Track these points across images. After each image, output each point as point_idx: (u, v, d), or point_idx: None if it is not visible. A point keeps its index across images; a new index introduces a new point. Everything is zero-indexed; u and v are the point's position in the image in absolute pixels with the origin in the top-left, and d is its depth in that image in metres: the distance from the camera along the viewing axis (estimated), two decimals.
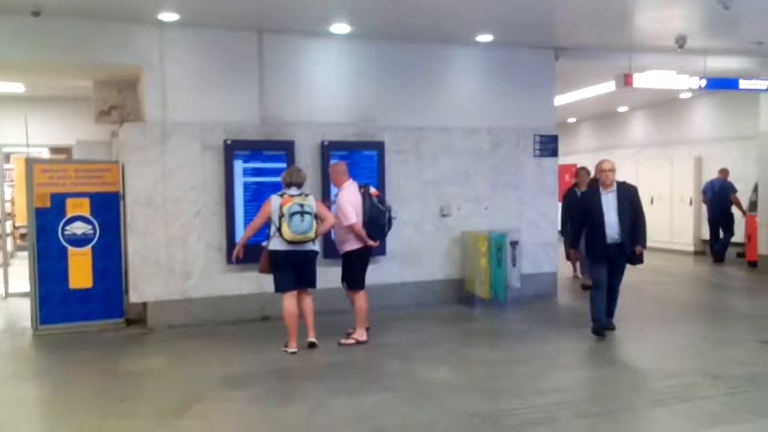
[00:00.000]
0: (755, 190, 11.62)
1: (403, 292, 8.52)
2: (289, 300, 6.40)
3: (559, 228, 9.91)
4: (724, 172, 12.49)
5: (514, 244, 8.65)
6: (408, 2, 7.04)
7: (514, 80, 9.16)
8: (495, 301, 8.51)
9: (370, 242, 6.73)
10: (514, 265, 8.63)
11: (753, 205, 11.74)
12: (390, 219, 6.87)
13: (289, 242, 6.20)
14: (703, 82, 9.59)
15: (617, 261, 6.86)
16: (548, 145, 9.35)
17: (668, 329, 7.48)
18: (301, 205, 6.18)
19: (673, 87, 9.80)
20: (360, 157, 8.30)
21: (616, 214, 6.73)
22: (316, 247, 6.52)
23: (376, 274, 7.88)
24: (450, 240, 8.83)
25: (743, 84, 9.67)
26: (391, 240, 8.31)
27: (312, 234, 6.24)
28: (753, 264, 11.60)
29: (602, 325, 6.93)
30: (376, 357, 6.42)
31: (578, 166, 10.16)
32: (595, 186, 7.09)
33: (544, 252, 9.30)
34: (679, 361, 6.16)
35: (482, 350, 6.65)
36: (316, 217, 6.32)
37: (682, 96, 13.89)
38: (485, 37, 8.54)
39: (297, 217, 6.12)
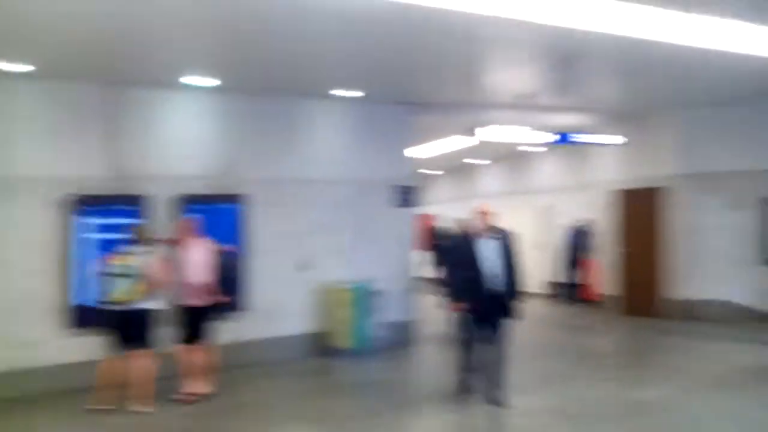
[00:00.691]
0: (594, 235, 12.56)
1: (263, 348, 8.22)
2: (107, 362, 6.21)
3: (437, 277, 9.91)
4: (583, 220, 13.29)
5: (375, 294, 8.71)
6: (268, 57, 7.02)
7: (374, 133, 9.39)
8: (357, 352, 8.47)
9: (221, 298, 6.60)
10: (375, 315, 8.67)
11: (592, 250, 12.68)
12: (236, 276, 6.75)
13: (110, 302, 6.13)
14: (548, 138, 10.29)
15: (497, 316, 6.12)
16: (406, 196, 9.60)
17: (524, 368, 7.75)
18: (119, 266, 6.13)
19: (517, 141, 10.43)
20: (219, 211, 8.05)
21: (495, 263, 6.10)
22: (147, 305, 6.24)
23: (233, 330, 7.65)
24: (312, 292, 8.72)
25: (580, 138, 10.45)
26: (251, 294, 8.12)
27: (125, 296, 6.09)
28: (588, 303, 12.51)
29: (467, 385, 6.44)
30: (230, 418, 6.12)
31: (455, 217, 10.31)
32: (469, 233, 6.49)
33: (404, 301, 9.42)
34: (533, 400, 6.38)
35: (343, 403, 6.56)
36: (143, 276, 6.15)
37: (532, 149, 14.85)
38: (347, 92, 8.70)
39: (111, 279, 6.12)
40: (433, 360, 8.65)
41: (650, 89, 9.37)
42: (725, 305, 10.20)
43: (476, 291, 6.07)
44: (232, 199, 8.21)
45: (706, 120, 10.39)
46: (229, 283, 6.64)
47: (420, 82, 8.63)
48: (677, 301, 10.57)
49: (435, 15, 5.48)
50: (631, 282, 11.37)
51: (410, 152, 9.97)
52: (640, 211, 11.20)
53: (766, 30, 6.27)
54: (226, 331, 7.28)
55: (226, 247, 6.79)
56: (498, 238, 6.17)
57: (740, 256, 10.13)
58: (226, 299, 6.68)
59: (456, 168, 18.64)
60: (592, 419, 5.83)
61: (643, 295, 11.06)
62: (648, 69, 8.00)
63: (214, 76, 7.63)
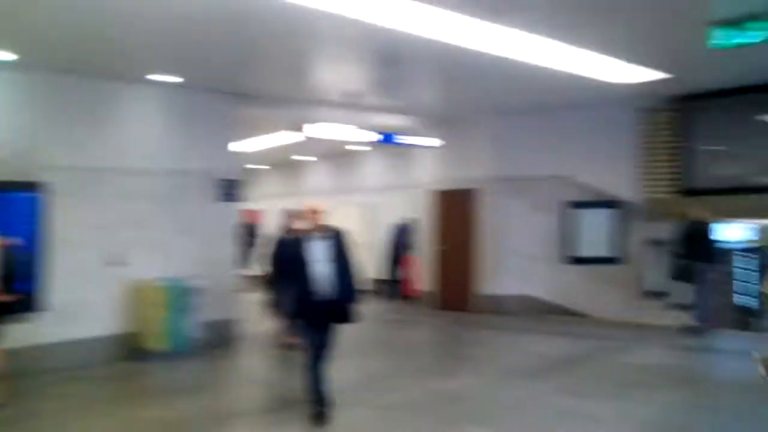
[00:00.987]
0: (416, 233, 13.06)
1: (64, 352, 7.48)
2: None
3: (262, 275, 9.61)
4: (406, 219, 13.68)
5: (193, 292, 8.31)
6: (72, 32, 6.38)
7: (197, 124, 8.96)
8: (172, 354, 8.03)
9: (4, 297, 5.95)
10: (192, 314, 8.27)
11: (414, 248, 13.18)
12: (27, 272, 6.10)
13: None
14: (371, 137, 10.52)
15: (329, 321, 5.62)
16: (230, 190, 9.27)
17: (344, 365, 7.79)
18: None
19: (343, 139, 10.55)
20: (11, 200, 7.21)
21: (327, 265, 5.53)
22: None
23: (27, 333, 6.91)
24: (124, 290, 8.11)
25: (402, 140, 10.84)
26: (50, 293, 7.37)
27: None
28: (406, 298, 13.06)
29: (322, 403, 5.60)
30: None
31: (283, 214, 10.02)
32: (297, 233, 5.99)
33: (226, 299, 9.09)
34: (351, 395, 6.42)
35: (153, 409, 6.15)
36: None
37: (358, 148, 15.10)
38: (165, 78, 8.20)
39: None
40: (255, 362, 8.44)
41: (466, 95, 9.90)
42: (529, 300, 11.06)
43: (305, 296, 5.51)
44: (27, 187, 7.37)
45: (515, 127, 11.19)
46: (16, 280, 5.94)
47: (245, 72, 8.38)
48: (487, 296, 11.29)
49: (258, 3, 5.32)
50: (447, 278, 11.96)
51: (236, 145, 9.66)
52: (457, 211, 11.81)
53: (566, 47, 6.85)
54: (18, 334, 6.53)
55: (11, 240, 6.07)
56: (329, 238, 5.62)
57: (543, 254, 11.04)
58: (11, 298, 5.96)
59: (284, 164, 18.48)
60: (406, 411, 6.00)
61: (457, 290, 11.67)
62: (464, 76, 8.44)
63: (8, 49, 6.80)
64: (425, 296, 12.53)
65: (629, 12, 5.90)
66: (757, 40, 5.36)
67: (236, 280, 9.49)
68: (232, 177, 9.36)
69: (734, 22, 5.37)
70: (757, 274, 12.01)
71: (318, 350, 5.60)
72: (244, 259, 10.56)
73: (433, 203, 12.30)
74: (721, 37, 5.55)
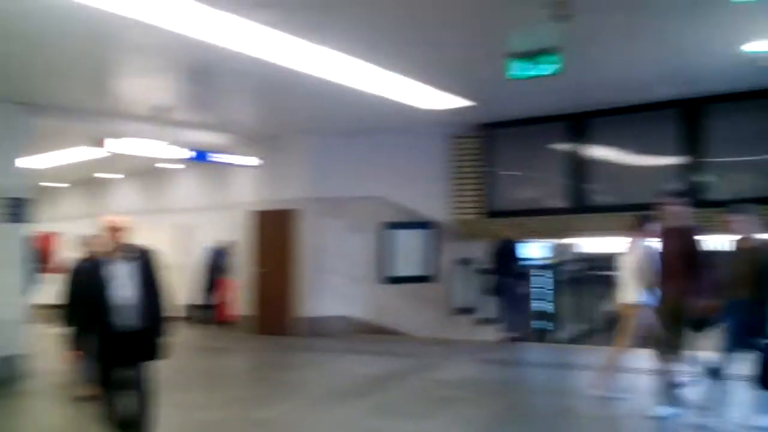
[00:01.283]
0: (233, 256, 12.63)
1: None
2: None
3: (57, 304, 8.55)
4: (223, 241, 13.13)
5: None
6: None
7: None
8: None
9: None
10: None
11: (230, 271, 12.73)
12: None
13: None
14: (183, 154, 9.97)
15: (135, 357, 4.94)
16: (17, 210, 8.26)
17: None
18: None
19: (151, 155, 9.87)
20: None
21: (132, 290, 4.86)
22: None
23: None
24: None
25: (217, 158, 10.42)
26: None
27: None
28: (223, 323, 12.65)
29: None
30: None
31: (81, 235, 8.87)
32: (97, 255, 5.16)
33: (11, 332, 8.04)
34: None
35: None
36: None
37: (170, 166, 14.31)
38: None
39: None
40: (44, 406, 7.50)
41: (283, 114, 9.79)
42: (347, 320, 11.10)
43: (107, 328, 4.77)
44: None
45: (334, 147, 11.24)
46: None
47: (38, 79, 7.55)
48: (306, 319, 11.15)
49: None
50: (265, 301, 11.64)
51: (26, 160, 8.65)
52: (275, 232, 11.57)
53: (380, 71, 7.01)
54: None
55: None
56: (135, 259, 4.93)
57: (360, 275, 11.15)
58: None
59: (85, 181, 17.03)
60: None
61: (276, 313, 11.39)
62: (280, 94, 8.32)
63: None
64: (243, 321, 12.10)
65: (438, 41, 6.17)
66: (549, 73, 5.83)
67: (25, 310, 8.43)
68: (21, 195, 8.35)
69: (529, 56, 5.81)
70: (551, 288, 13.16)
71: (124, 393, 4.85)
72: (36, 286, 9.45)
73: (252, 224, 11.96)
74: (517, 69, 5.97)
